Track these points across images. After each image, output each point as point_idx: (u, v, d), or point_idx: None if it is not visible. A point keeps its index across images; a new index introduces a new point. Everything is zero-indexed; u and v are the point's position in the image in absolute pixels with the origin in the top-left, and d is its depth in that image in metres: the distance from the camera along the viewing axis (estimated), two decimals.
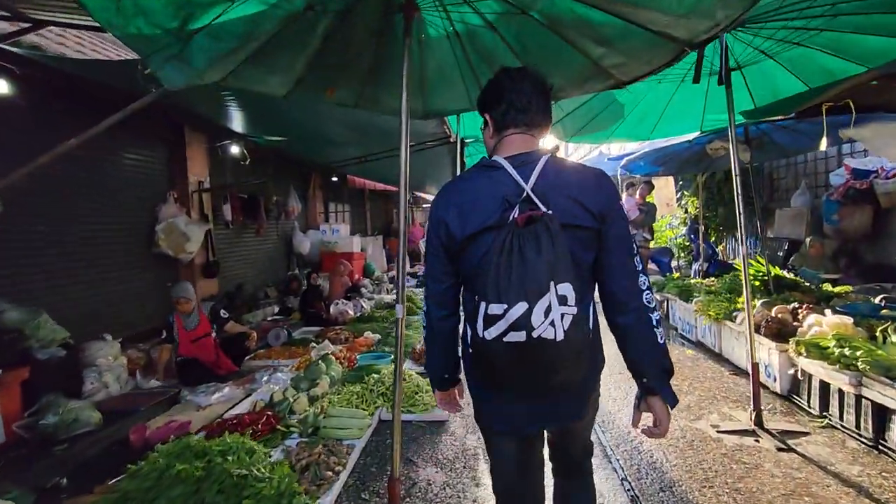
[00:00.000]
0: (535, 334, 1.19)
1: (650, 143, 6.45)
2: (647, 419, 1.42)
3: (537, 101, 1.44)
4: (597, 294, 1.45)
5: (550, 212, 1.26)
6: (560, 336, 1.20)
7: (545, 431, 1.61)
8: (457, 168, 5.97)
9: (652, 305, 1.38)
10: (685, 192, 8.45)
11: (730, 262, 7.88)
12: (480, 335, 1.24)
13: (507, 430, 1.47)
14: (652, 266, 7.94)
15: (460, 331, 1.53)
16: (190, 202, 5.97)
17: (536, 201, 1.28)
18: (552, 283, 1.19)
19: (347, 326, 6.44)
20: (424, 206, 17.88)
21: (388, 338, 5.41)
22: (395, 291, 9.71)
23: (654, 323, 1.36)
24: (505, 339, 1.21)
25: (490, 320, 1.22)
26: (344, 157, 6.22)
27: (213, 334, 4.64)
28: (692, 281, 6.35)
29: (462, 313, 1.46)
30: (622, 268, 1.36)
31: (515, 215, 1.27)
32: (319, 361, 4.22)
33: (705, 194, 8.27)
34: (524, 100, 1.42)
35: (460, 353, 1.57)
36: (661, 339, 1.36)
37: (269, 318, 6.70)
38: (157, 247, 5.50)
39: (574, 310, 1.21)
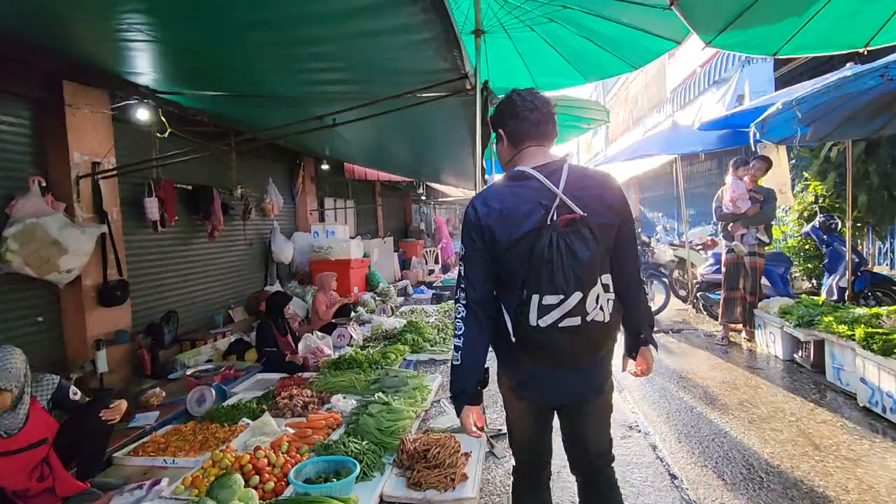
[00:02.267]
0: (588, 318, 1.40)
1: (786, 92, 4.05)
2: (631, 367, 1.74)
3: (547, 117, 1.61)
4: None
5: (585, 214, 1.44)
6: (607, 318, 1.45)
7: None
8: (477, 139, 3.74)
9: (642, 278, 1.81)
10: (805, 174, 5.98)
11: (883, 273, 5.36)
12: (533, 324, 1.41)
13: (533, 400, 1.67)
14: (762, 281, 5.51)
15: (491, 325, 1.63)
16: (75, 193, 3.95)
17: (571, 205, 1.46)
18: (599, 275, 1.42)
19: (318, 377, 4.30)
20: (441, 200, 15.55)
21: (363, 413, 3.22)
22: (403, 309, 7.52)
23: (644, 292, 1.77)
24: (560, 325, 1.40)
25: (545, 310, 1.39)
26: (306, 116, 4.08)
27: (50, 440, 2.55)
28: (857, 310, 3.94)
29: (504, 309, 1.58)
30: (632, 258, 1.61)
31: (554, 218, 1.45)
32: None
33: (834, 176, 5.79)
34: (537, 115, 1.60)
35: (491, 347, 1.64)
36: (648, 301, 1.86)
37: (198, 368, 4.53)
38: (6, 262, 3.48)
39: (613, 295, 1.48)
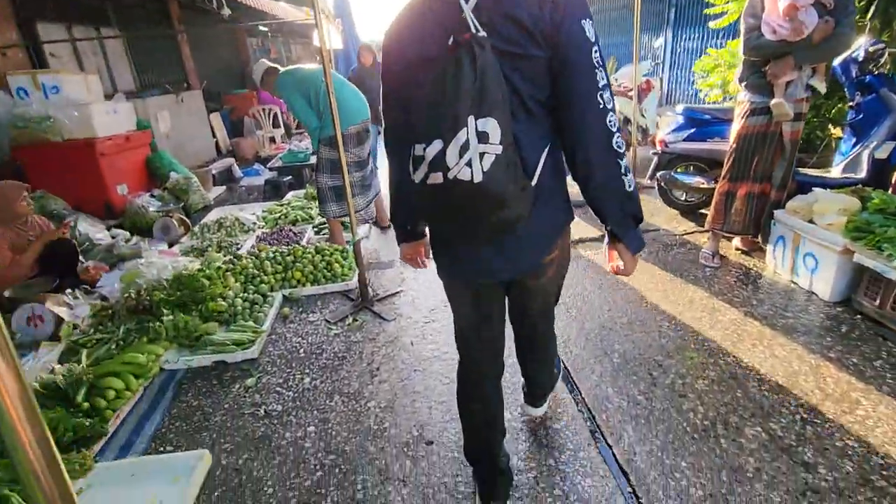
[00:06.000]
0: (450, 175, 1.05)
1: None
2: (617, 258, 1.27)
3: None
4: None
5: (482, 34, 1.05)
6: (478, 177, 1.04)
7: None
8: None
9: (621, 150, 1.15)
10: None
11: None
12: (412, 178, 1.13)
13: (455, 277, 1.39)
14: None
15: None
16: None
17: (471, 22, 1.06)
18: (471, 118, 1.03)
19: None
20: (281, 25, 11.17)
21: None
22: (209, 219, 4.32)
23: (623, 169, 1.16)
24: (428, 182, 1.09)
25: (415, 162, 1.11)
26: None
27: None
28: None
29: None
30: (581, 108, 1.11)
31: (450, 42, 1.06)
32: None
33: None
34: None
35: None
36: (630, 186, 1.18)
37: None
38: None
39: (498, 149, 1.05)
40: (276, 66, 3.66)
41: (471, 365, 1.53)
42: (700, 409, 1.99)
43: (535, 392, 1.92)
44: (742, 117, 2.92)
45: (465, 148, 1.03)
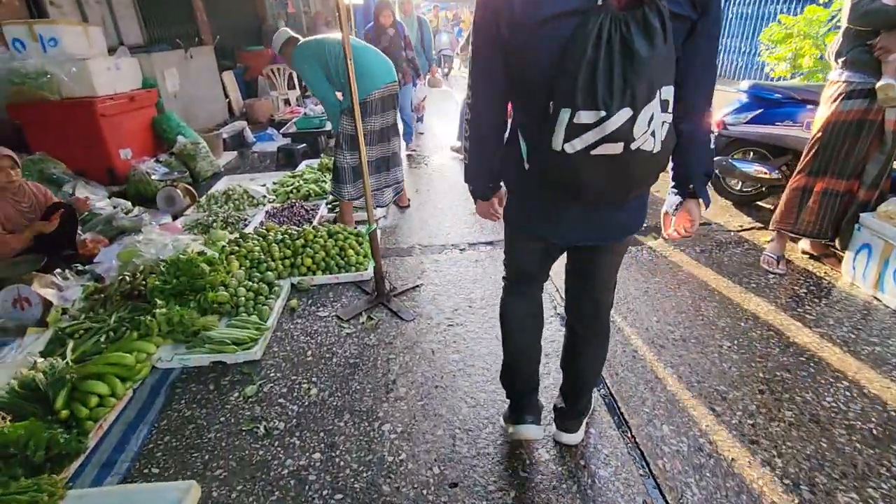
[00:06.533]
0: (633, 146, 0.99)
1: None
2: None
3: None
4: None
5: None
6: (658, 147, 1.03)
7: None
8: None
9: (710, 108, 1.19)
10: None
11: None
12: (557, 148, 1.02)
13: (538, 241, 1.39)
14: None
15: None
16: None
17: None
18: (659, 87, 0.97)
19: None
20: None
21: None
22: (217, 188, 4.03)
23: (710, 127, 1.21)
24: (593, 153, 1.01)
25: (576, 130, 0.99)
26: None
27: None
28: None
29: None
30: (707, 69, 1.13)
31: None
32: None
33: None
34: None
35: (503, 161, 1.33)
36: (713, 143, 1.25)
37: None
38: None
39: (670, 116, 1.04)
40: (297, 36, 3.34)
41: (519, 281, 1.57)
42: (778, 463, 1.66)
43: (577, 404, 1.70)
44: (833, 100, 2.45)
45: (651, 118, 0.98)
